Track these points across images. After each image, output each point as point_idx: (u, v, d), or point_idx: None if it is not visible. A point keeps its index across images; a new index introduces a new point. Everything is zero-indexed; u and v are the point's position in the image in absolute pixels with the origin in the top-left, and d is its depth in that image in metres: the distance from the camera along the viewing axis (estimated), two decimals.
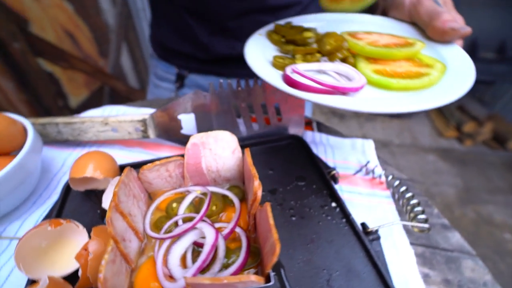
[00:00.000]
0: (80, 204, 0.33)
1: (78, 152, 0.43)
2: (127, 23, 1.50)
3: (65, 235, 0.28)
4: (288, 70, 0.28)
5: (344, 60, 0.31)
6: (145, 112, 0.42)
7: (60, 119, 0.40)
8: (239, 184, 0.32)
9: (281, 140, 0.41)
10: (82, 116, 0.42)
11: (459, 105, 1.81)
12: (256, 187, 0.24)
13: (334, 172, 0.36)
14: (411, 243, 0.32)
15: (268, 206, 0.23)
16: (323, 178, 0.36)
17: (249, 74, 0.56)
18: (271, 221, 0.22)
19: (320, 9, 0.57)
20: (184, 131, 0.40)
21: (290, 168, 0.37)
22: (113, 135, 0.40)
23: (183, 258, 0.24)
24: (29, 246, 0.26)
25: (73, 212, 0.32)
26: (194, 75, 0.60)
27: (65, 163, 0.41)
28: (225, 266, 0.23)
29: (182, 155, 0.29)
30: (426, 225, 0.30)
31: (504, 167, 1.61)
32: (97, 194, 0.34)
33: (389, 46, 0.30)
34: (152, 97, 0.68)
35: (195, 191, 0.29)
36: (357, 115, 2.04)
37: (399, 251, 0.31)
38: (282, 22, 0.39)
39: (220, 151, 0.29)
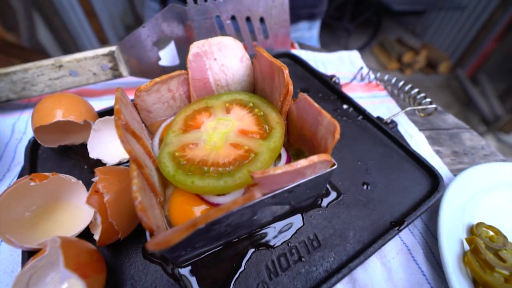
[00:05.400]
0: (58, 164, 0.26)
1: (27, 114, 0.34)
2: None
3: (58, 195, 0.22)
4: None
5: None
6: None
7: None
8: None
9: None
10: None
11: (398, 38, 1.94)
12: (287, 80, 0.21)
13: (335, 78, 0.35)
14: (419, 129, 0.33)
15: (305, 94, 0.21)
16: (327, 85, 0.34)
17: None
18: (316, 105, 0.20)
19: None
20: (163, 62, 0.34)
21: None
22: (73, 81, 0.32)
23: None
24: (12, 210, 0.20)
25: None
26: None
27: (14, 129, 0.33)
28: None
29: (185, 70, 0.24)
30: (433, 105, 0.31)
31: (438, 89, 1.83)
32: (76, 150, 0.27)
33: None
34: None
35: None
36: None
37: (412, 136, 0.32)
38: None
39: (226, 60, 0.25)
